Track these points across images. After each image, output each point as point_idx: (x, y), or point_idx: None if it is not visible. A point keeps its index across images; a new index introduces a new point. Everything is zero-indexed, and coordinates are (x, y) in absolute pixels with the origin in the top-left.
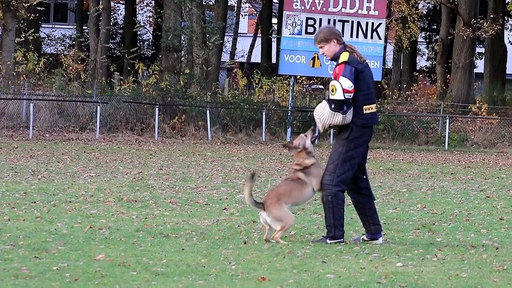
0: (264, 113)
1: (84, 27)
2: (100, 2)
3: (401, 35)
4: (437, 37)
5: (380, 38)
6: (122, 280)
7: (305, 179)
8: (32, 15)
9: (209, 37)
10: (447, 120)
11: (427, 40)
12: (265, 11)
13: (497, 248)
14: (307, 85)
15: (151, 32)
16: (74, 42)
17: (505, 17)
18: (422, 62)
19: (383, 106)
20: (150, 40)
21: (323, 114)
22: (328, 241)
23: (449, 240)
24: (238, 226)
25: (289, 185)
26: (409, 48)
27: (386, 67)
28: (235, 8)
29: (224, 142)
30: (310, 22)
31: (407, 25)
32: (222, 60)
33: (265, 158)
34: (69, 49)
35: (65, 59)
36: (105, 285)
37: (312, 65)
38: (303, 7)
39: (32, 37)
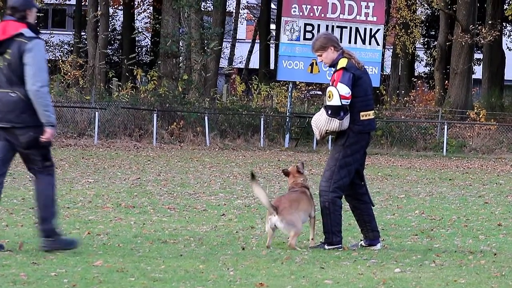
0: (262, 119)
1: (82, 33)
2: (99, 8)
3: (405, 41)
4: (435, 43)
5: (378, 44)
6: (120, 286)
7: (310, 198)
8: None
9: (207, 43)
10: (445, 126)
11: (426, 46)
12: (263, 17)
13: (495, 254)
14: (305, 91)
15: (150, 38)
16: (72, 48)
17: (503, 23)
18: (420, 68)
19: (381, 112)
20: (148, 46)
21: (320, 120)
22: (326, 247)
23: (447, 246)
24: (236, 232)
25: (299, 195)
26: (416, 53)
27: (384, 73)
28: (234, 14)
29: (222, 148)
30: (308, 28)
31: (409, 30)
32: (220, 66)
33: (263, 164)
34: (67, 55)
35: (63, 65)
36: None
37: (310, 71)
38: (301, 13)
39: None
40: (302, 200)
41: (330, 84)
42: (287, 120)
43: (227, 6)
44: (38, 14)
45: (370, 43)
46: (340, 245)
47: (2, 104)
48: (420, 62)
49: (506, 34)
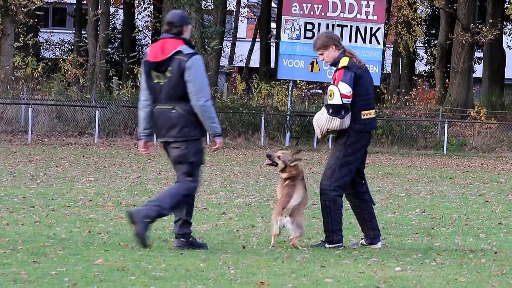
0: (262, 117)
1: (82, 32)
2: (99, 7)
3: (407, 39)
4: (436, 41)
5: (378, 43)
6: (121, 285)
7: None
8: (31, 19)
9: (208, 42)
10: (446, 125)
11: (426, 45)
12: (263, 16)
13: (496, 253)
14: (306, 90)
15: (150, 37)
16: (72, 47)
17: (504, 22)
18: (420, 67)
19: (382, 111)
20: (148, 45)
21: (321, 119)
22: (326, 245)
23: (448, 244)
24: (237, 230)
25: (304, 193)
26: (416, 52)
27: (385, 71)
28: (234, 12)
29: (222, 146)
30: (309, 26)
31: (411, 29)
32: (221, 64)
33: (264, 163)
34: (67, 54)
35: (63, 63)
36: None
37: (310, 69)
38: (301, 12)
39: (31, 42)
40: (305, 197)
41: (331, 82)
42: (288, 118)
43: (227, 5)
44: (38, 13)
45: (370, 42)
46: (341, 244)
47: (163, 120)
48: (420, 61)
49: (506, 33)
